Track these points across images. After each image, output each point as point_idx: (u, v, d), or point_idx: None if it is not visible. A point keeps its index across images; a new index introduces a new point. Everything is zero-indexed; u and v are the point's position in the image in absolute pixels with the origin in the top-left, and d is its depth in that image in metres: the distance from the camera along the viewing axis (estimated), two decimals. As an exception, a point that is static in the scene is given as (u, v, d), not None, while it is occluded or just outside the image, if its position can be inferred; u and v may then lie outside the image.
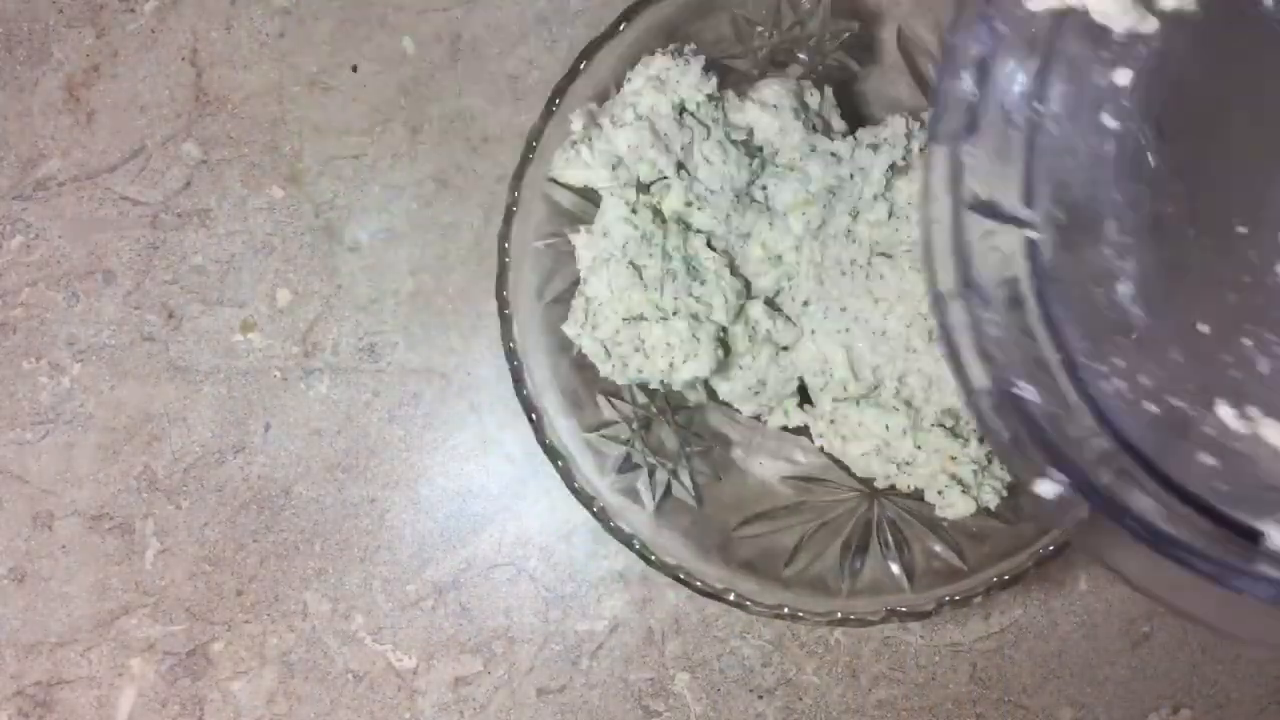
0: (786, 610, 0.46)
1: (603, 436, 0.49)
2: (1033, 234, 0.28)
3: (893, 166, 0.47)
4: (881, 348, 0.48)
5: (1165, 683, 0.54)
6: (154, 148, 0.56)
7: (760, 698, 0.54)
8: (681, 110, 0.47)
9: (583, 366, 0.49)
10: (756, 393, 0.49)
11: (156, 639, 0.55)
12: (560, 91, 0.47)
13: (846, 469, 0.50)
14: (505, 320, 0.48)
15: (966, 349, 0.28)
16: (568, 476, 0.48)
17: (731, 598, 0.47)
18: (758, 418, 0.51)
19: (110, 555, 0.55)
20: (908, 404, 0.48)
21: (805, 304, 0.49)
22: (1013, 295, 0.28)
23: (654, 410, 0.50)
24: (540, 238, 0.49)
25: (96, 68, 0.56)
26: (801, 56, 0.50)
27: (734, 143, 0.47)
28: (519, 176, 0.47)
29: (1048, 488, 0.27)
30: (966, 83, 0.27)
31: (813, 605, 0.47)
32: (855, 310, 0.48)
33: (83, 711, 0.55)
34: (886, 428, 0.47)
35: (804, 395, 0.51)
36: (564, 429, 0.48)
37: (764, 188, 0.48)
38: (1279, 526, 0.26)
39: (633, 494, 0.49)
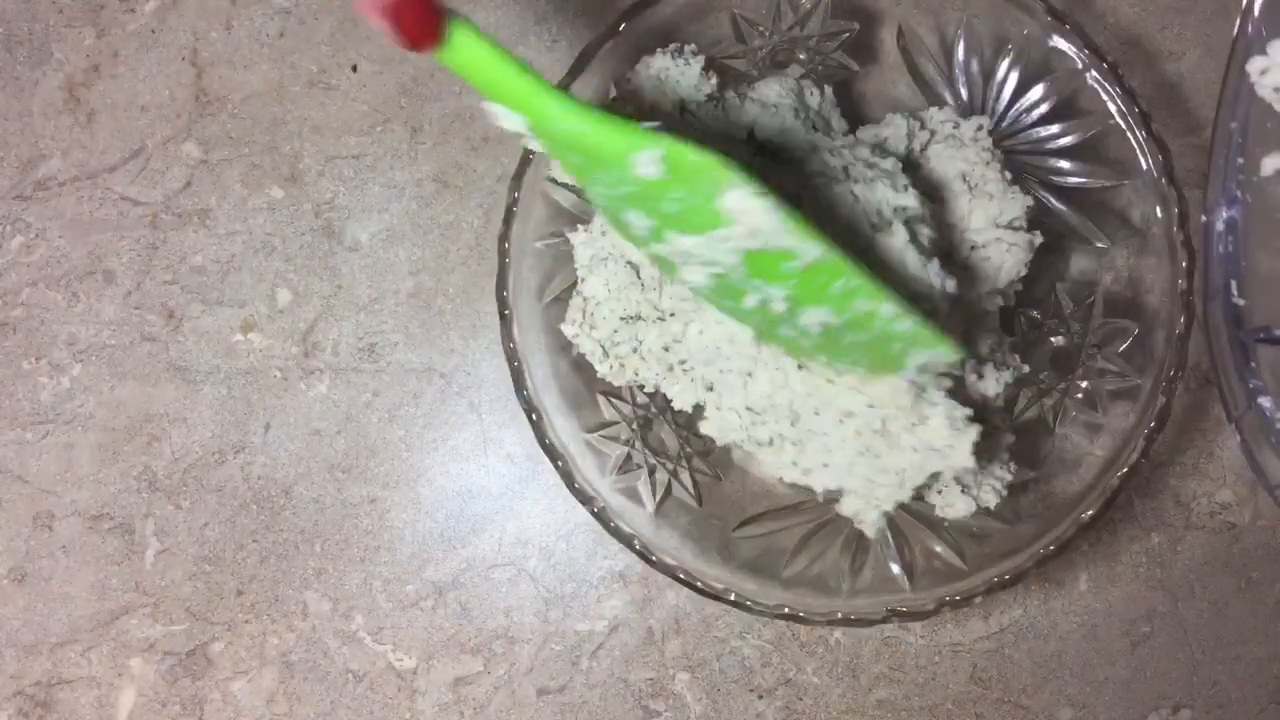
0: (787, 610, 0.46)
1: (603, 436, 0.49)
2: None
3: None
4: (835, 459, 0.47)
5: (1165, 683, 0.54)
6: (154, 148, 0.56)
7: (760, 698, 0.54)
8: (682, 110, 0.47)
9: (582, 366, 0.49)
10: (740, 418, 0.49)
11: (156, 639, 0.55)
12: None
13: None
14: (505, 320, 0.48)
15: None
16: (568, 476, 0.48)
17: (732, 598, 0.47)
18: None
19: (110, 555, 0.55)
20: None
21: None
22: None
23: (654, 410, 0.50)
24: (540, 238, 0.49)
25: (96, 68, 0.56)
26: (801, 56, 0.50)
27: (734, 143, 0.47)
28: (519, 176, 0.47)
29: None
30: None
31: (813, 605, 0.47)
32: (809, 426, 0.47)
33: (83, 711, 0.55)
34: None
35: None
36: (564, 429, 0.48)
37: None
38: None
39: (633, 494, 0.49)
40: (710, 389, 0.48)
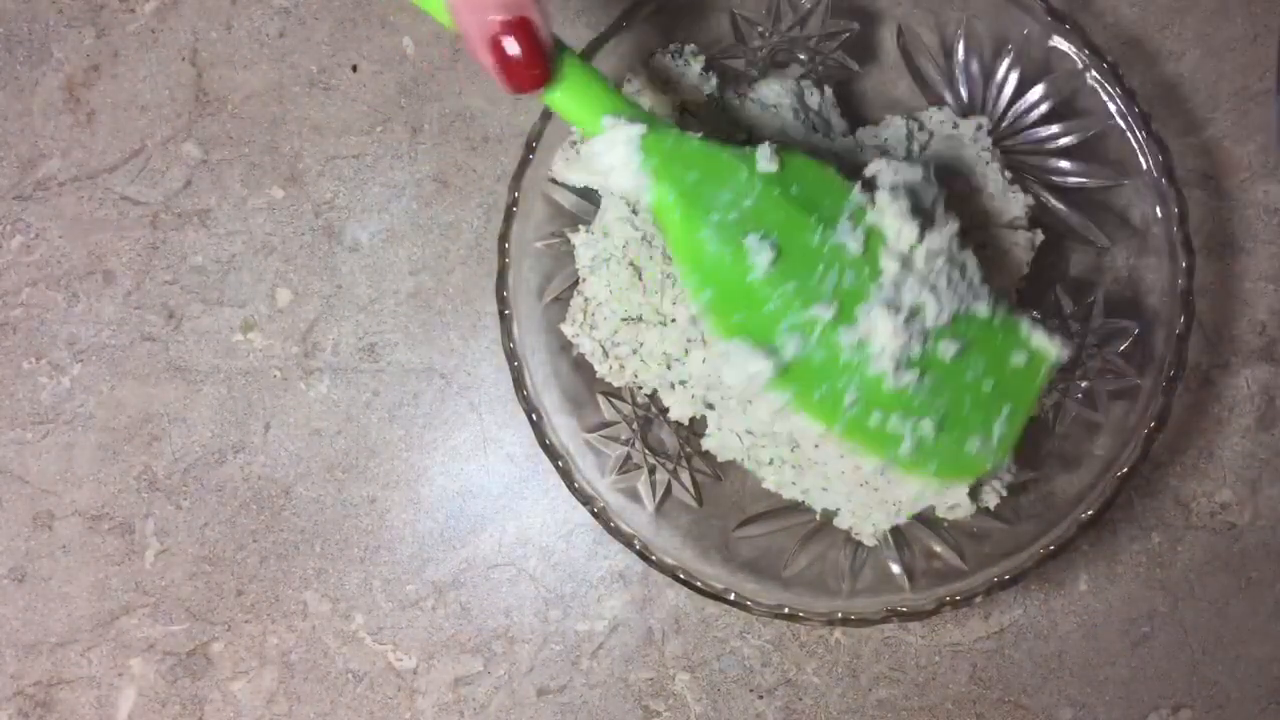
0: (786, 610, 0.46)
1: (603, 436, 0.49)
2: None
3: None
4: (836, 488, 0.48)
5: (1165, 683, 0.54)
6: (154, 148, 0.56)
7: (760, 698, 0.54)
8: (682, 110, 0.47)
9: (582, 366, 0.49)
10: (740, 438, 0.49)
11: (156, 639, 0.55)
12: (560, 91, 0.47)
13: None
14: (505, 320, 0.48)
15: None
16: (568, 476, 0.48)
17: (731, 598, 0.47)
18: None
19: (110, 555, 0.55)
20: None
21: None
22: None
23: (654, 410, 0.50)
24: (540, 238, 0.49)
25: (96, 68, 0.56)
26: (801, 56, 0.50)
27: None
28: (519, 176, 0.47)
29: None
30: None
31: (813, 605, 0.47)
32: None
33: (83, 711, 0.55)
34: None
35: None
36: (564, 429, 0.48)
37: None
38: None
39: (633, 494, 0.49)
40: (710, 407, 0.48)
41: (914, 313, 0.40)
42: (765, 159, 0.39)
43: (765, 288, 0.39)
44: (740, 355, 0.39)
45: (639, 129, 0.38)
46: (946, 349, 0.41)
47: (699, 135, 0.40)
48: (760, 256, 0.39)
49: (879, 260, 0.41)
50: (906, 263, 0.41)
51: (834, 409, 0.40)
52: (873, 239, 0.41)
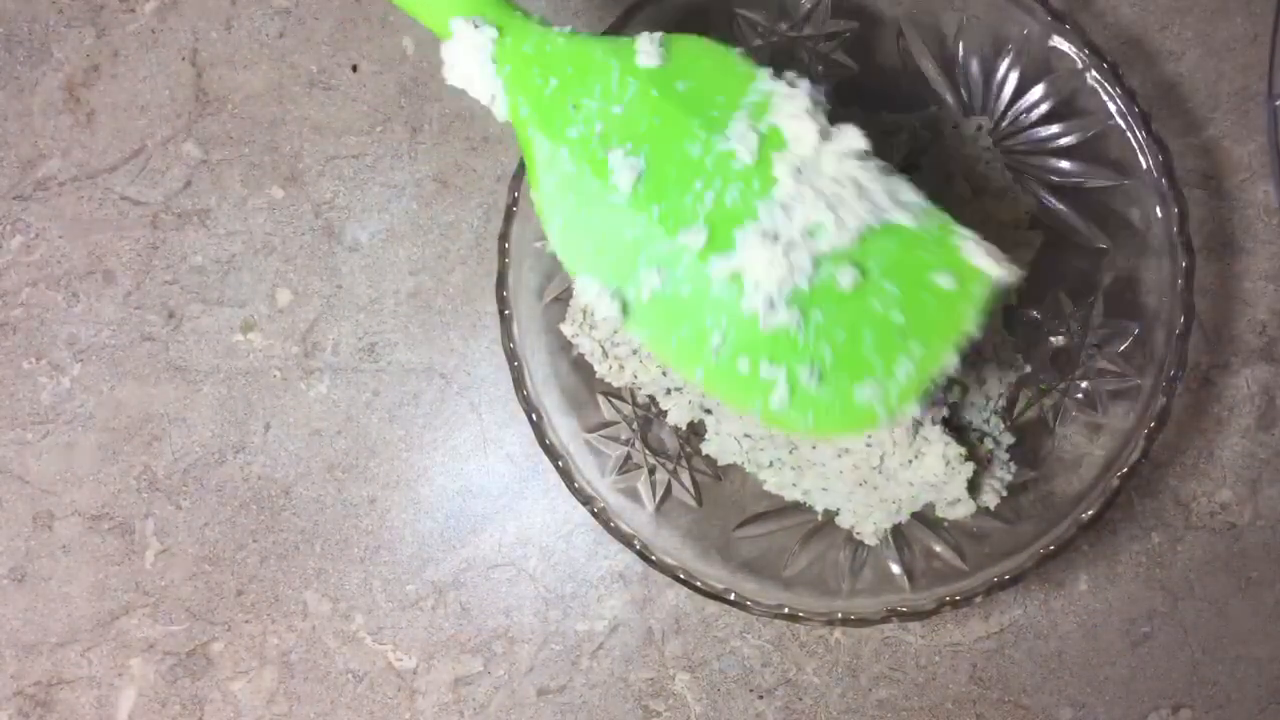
0: (786, 610, 0.46)
1: (603, 436, 0.49)
2: None
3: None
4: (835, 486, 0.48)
5: (1165, 683, 0.54)
6: (154, 148, 0.56)
7: (760, 698, 0.54)
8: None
9: (582, 366, 0.49)
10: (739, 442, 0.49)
11: (156, 639, 0.55)
12: (560, 91, 0.47)
13: None
14: (505, 320, 0.48)
15: None
16: (568, 476, 0.48)
17: (732, 598, 0.47)
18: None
19: (110, 555, 0.55)
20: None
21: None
22: None
23: (654, 410, 0.50)
24: (540, 238, 0.49)
25: (96, 68, 0.56)
26: (801, 56, 0.50)
27: None
28: (519, 176, 0.47)
29: None
30: None
31: (813, 605, 0.47)
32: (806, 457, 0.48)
33: (83, 711, 0.55)
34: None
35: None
36: (564, 429, 0.48)
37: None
38: None
39: (633, 494, 0.49)
40: (708, 412, 0.48)
41: (806, 236, 0.33)
42: (646, 52, 0.33)
43: (626, 213, 0.33)
44: (589, 293, 0.34)
45: (489, 33, 0.32)
46: (844, 277, 0.33)
47: (568, 29, 0.33)
48: (622, 176, 0.33)
49: (772, 169, 0.33)
50: (804, 172, 0.33)
51: (696, 353, 0.34)
52: (769, 143, 0.34)
